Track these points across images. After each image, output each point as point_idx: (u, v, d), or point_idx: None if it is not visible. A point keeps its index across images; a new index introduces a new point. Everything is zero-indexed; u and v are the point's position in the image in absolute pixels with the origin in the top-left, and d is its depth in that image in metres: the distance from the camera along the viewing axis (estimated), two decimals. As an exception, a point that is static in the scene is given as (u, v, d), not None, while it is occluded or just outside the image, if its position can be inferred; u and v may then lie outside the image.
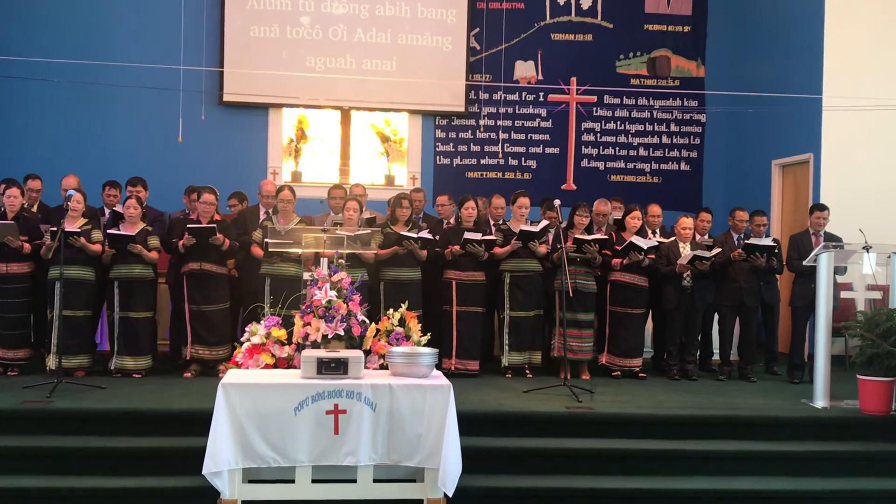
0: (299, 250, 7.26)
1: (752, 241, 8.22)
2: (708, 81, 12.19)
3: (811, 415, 6.73)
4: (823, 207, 8.45)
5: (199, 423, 5.51)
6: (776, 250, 8.27)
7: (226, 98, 11.27)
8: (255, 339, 6.06)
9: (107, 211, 8.48)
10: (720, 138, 12.22)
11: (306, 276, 6.53)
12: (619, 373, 8.26)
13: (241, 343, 6.17)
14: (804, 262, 7.62)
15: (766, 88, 10.70)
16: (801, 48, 10.35)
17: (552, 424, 6.35)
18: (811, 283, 7.60)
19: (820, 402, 6.99)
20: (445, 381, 5.41)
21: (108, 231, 7.73)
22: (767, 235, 8.61)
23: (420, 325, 6.47)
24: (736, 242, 8.50)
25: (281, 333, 6.07)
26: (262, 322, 6.15)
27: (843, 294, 7.56)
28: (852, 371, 6.86)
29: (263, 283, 7.75)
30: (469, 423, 5.75)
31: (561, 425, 6.36)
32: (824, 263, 7.15)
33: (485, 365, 8.28)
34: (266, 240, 7.51)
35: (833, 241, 7.85)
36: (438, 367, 5.90)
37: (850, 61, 9.79)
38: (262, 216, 8.56)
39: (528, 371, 8.16)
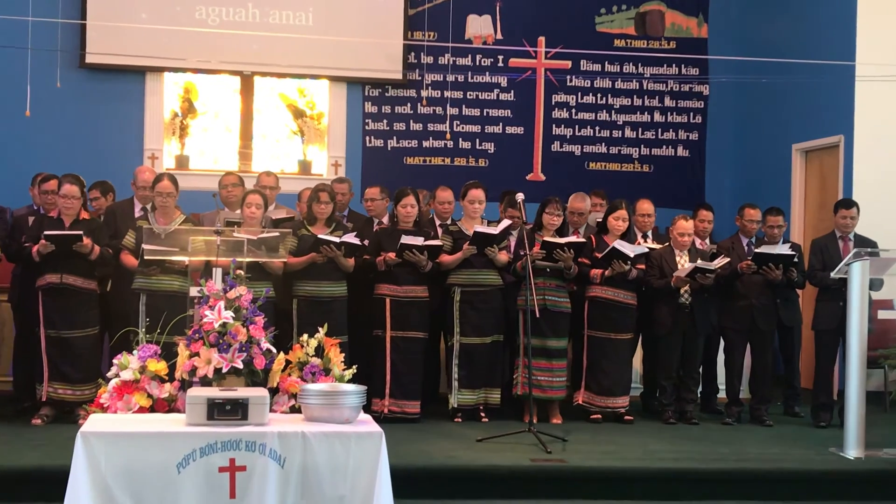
0: (184, 258, 7.20)
1: (765, 248, 8.30)
2: (711, 44, 12.37)
3: (842, 467, 6.85)
4: (851, 204, 8.56)
5: (52, 483, 5.44)
6: (795, 259, 8.34)
7: (89, 59, 11.15)
8: (126, 375, 6.01)
9: (-70, 208, 8.36)
10: (727, 116, 12.42)
11: (193, 291, 6.49)
12: (599, 415, 8.32)
13: (108, 380, 6.10)
14: (831, 274, 7.72)
15: (784, 53, 10.86)
16: (829, 2, 10.54)
17: (514, 482, 6.38)
18: (840, 301, 7.72)
19: (852, 451, 7.09)
20: (376, 428, 5.40)
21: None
22: (786, 240, 8.72)
23: (344, 355, 6.47)
24: (746, 249, 8.61)
25: (160, 367, 6.02)
26: (134, 352, 6.09)
27: (881, 314, 7.70)
28: (893, 412, 6.99)
29: (137, 301, 7.68)
30: (407, 482, 5.75)
31: (525, 483, 6.39)
32: (857, 275, 7.25)
33: (428, 406, 8.30)
34: (142, 245, 7.43)
35: (867, 246, 7.96)
36: (367, 409, 5.91)
37: (891, 20, 9.96)
38: (138, 213, 8.47)
39: (483, 414, 8.20)
